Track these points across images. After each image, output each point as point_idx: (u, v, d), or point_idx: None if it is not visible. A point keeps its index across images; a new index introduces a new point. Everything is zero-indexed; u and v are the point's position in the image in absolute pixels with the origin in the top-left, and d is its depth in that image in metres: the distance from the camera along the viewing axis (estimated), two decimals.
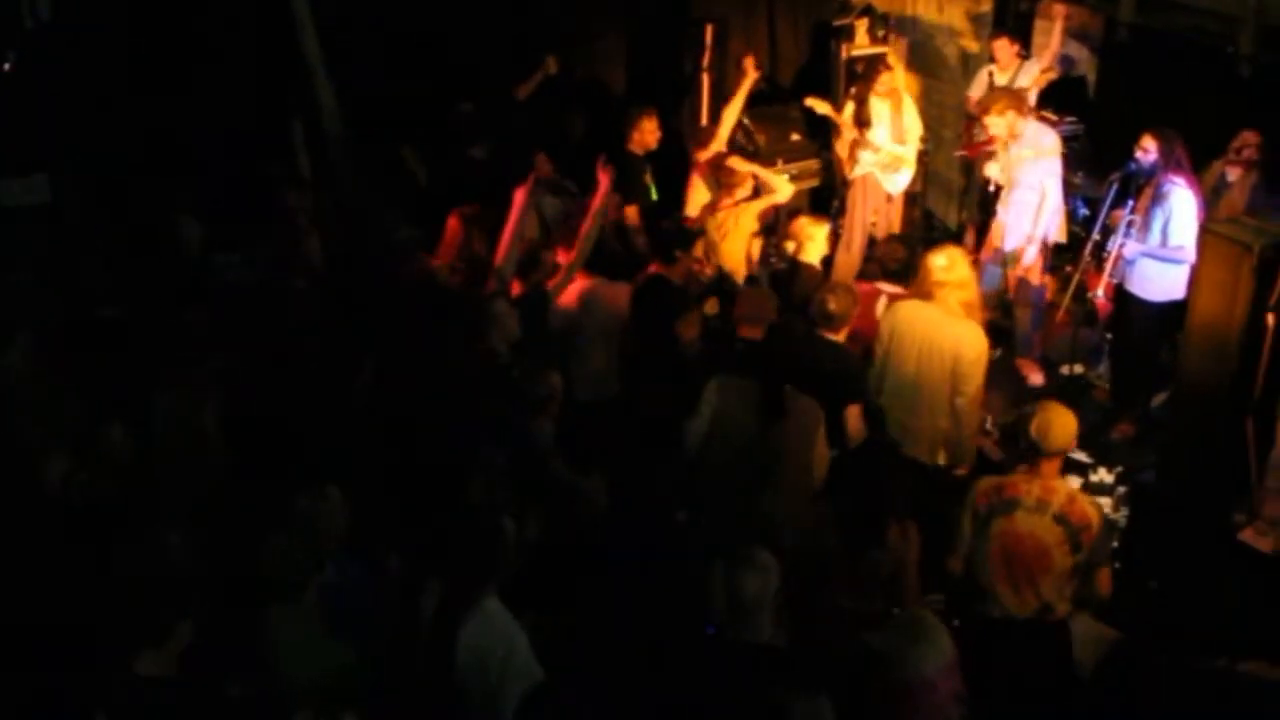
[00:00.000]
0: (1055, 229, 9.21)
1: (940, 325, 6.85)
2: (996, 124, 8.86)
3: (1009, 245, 9.15)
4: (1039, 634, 5.60)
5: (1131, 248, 8.14)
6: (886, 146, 10.17)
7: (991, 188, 9.92)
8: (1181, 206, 7.92)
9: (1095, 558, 5.57)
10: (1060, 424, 5.55)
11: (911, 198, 10.88)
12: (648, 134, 9.32)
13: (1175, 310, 7.90)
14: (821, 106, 10.30)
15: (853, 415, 6.74)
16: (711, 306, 7.80)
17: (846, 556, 5.37)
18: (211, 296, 6.78)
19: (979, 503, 5.66)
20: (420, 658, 4.48)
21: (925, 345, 6.84)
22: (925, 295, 6.97)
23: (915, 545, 5.56)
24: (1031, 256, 9.01)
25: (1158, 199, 8.03)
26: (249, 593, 4.36)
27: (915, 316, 6.94)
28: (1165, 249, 8.00)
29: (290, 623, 4.35)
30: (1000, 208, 9.34)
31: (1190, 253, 7.68)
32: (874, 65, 10.40)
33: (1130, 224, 8.19)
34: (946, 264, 6.97)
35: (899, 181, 10.35)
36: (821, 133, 11.16)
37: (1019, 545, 5.55)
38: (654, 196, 9.58)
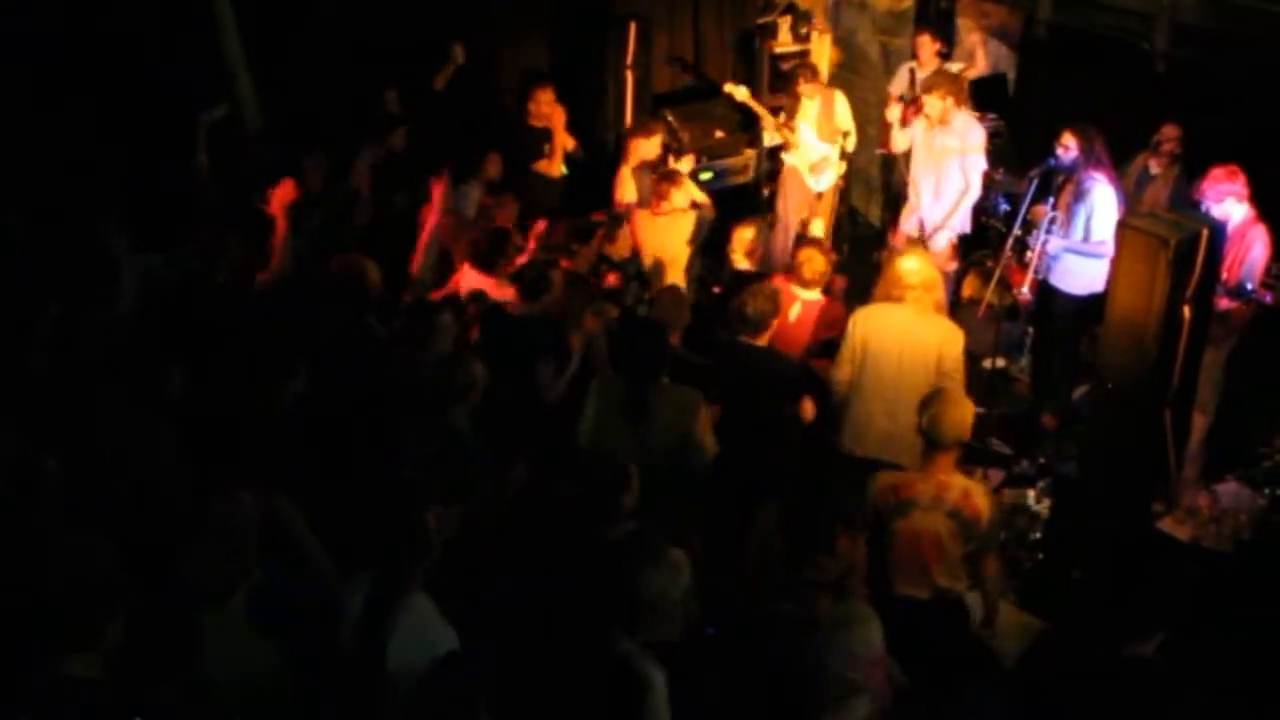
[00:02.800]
0: (967, 222, 9.40)
1: (919, 326, 6.83)
2: (933, 105, 9.01)
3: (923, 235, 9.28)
4: (937, 612, 5.71)
5: (1055, 243, 8.24)
6: (812, 145, 10.22)
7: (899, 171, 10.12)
8: (1103, 202, 8.04)
9: (983, 546, 5.67)
10: (954, 416, 5.61)
11: (839, 194, 10.96)
12: (543, 104, 9.64)
13: (1097, 303, 8.05)
14: (740, 93, 10.35)
15: (806, 407, 6.75)
16: (610, 310, 7.69)
17: (791, 561, 5.36)
18: (134, 299, 6.67)
19: (877, 500, 5.71)
20: (348, 657, 4.46)
21: (907, 348, 6.78)
22: (895, 299, 6.93)
23: (863, 552, 5.61)
24: (942, 244, 9.17)
25: (1079, 195, 8.14)
26: (179, 595, 4.31)
27: (891, 321, 6.89)
28: (1088, 244, 8.11)
29: (217, 626, 4.30)
30: (912, 195, 9.47)
31: (1111, 247, 7.81)
32: (796, 66, 10.44)
33: (1052, 220, 8.29)
34: (917, 267, 6.98)
35: (822, 181, 10.39)
36: (749, 127, 11.19)
37: (915, 542, 5.64)
38: (563, 170, 9.78)
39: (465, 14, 10.08)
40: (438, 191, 7.24)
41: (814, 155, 10.24)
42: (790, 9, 11.74)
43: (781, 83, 10.84)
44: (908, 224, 9.42)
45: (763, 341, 6.75)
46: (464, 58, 9.76)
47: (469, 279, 7.48)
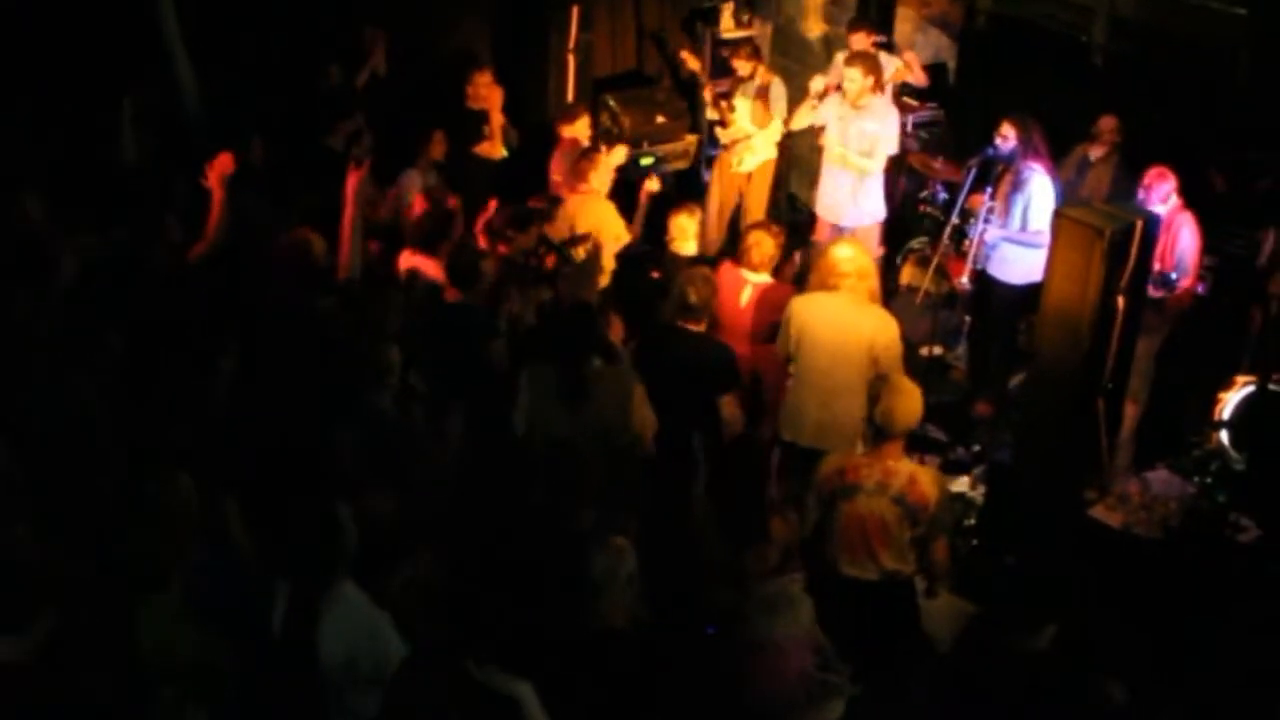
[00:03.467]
0: (883, 207, 9.46)
1: (852, 314, 6.81)
2: (853, 78, 8.98)
3: (846, 223, 9.29)
4: (884, 594, 5.75)
5: (993, 233, 8.31)
6: (741, 124, 10.22)
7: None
8: (1040, 192, 8.11)
9: (932, 530, 5.68)
10: (903, 406, 5.61)
11: (776, 180, 10.98)
12: (480, 87, 9.62)
13: (1035, 292, 8.14)
14: (692, 62, 10.42)
15: (727, 404, 6.76)
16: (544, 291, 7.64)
17: (729, 551, 5.38)
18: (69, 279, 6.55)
19: (822, 486, 5.73)
20: (279, 650, 4.42)
21: (839, 337, 6.76)
22: (830, 287, 6.90)
23: (796, 529, 5.63)
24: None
25: (1017, 185, 8.21)
26: (115, 581, 4.26)
27: (824, 309, 6.87)
28: (1024, 234, 8.18)
29: (154, 611, 4.25)
30: (826, 181, 9.46)
31: (1048, 237, 7.89)
32: (738, 49, 10.42)
33: (990, 209, 8.35)
34: (850, 255, 6.96)
35: (747, 161, 10.34)
36: (691, 112, 11.19)
37: (861, 525, 5.66)
38: (503, 152, 9.75)
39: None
40: (352, 180, 7.11)
41: (739, 135, 10.24)
42: None
43: (724, 68, 10.85)
44: (846, 219, 9.38)
45: (701, 328, 6.77)
46: (383, 43, 9.66)
47: (409, 260, 7.43)
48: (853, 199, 9.30)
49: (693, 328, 6.71)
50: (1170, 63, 8.52)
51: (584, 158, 8.68)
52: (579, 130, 9.39)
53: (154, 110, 8.55)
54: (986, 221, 8.33)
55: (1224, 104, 8.37)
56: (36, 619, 3.80)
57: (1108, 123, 8.67)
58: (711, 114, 10.43)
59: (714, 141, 10.82)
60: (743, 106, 10.18)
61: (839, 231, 9.28)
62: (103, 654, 4.08)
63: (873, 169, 9.14)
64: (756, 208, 10.51)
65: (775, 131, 10.26)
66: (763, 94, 10.16)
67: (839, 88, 9.35)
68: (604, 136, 10.05)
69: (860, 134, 9.15)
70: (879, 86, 9.17)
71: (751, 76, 10.15)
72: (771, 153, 10.41)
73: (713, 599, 5.38)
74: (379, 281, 7.31)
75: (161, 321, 6.26)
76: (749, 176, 10.42)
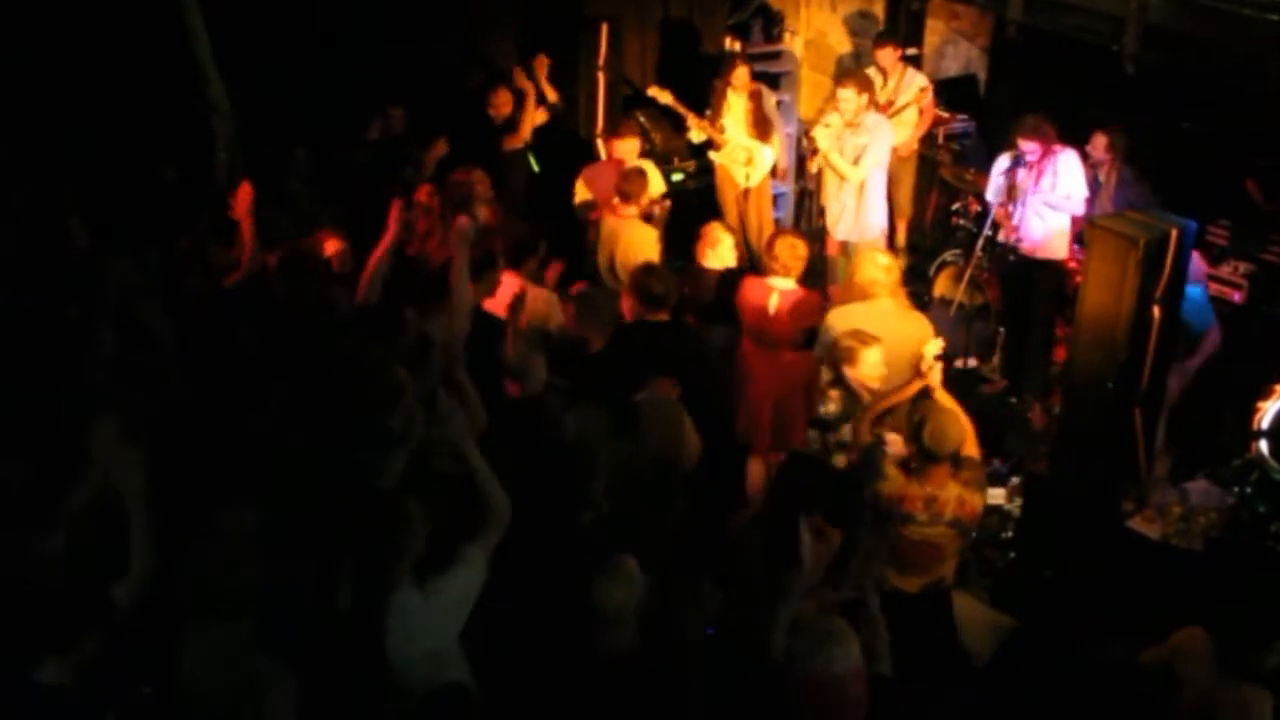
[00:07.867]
0: (884, 218, 9.38)
1: (899, 322, 6.83)
2: (846, 98, 8.93)
3: (850, 237, 9.24)
4: (927, 606, 5.76)
5: (1032, 199, 8.51)
6: (737, 140, 10.10)
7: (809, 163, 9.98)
8: (1069, 167, 8.39)
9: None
10: (953, 426, 5.57)
11: (802, 195, 10.94)
12: (500, 106, 9.72)
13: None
14: (663, 96, 10.07)
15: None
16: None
17: (769, 567, 5.35)
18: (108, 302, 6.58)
19: (878, 504, 5.68)
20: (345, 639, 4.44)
21: (889, 344, 6.67)
22: (865, 296, 6.92)
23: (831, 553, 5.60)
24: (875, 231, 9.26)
25: (1045, 169, 8.48)
26: (174, 607, 4.26)
27: (869, 317, 6.84)
28: (1058, 198, 8.45)
29: (210, 635, 4.24)
30: (832, 201, 9.38)
31: (1077, 203, 8.30)
32: (729, 61, 10.30)
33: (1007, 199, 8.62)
34: (889, 263, 7.00)
35: (751, 175, 10.19)
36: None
37: (913, 549, 5.67)
38: (535, 168, 9.87)
39: (435, 19, 10.07)
40: (396, 207, 6.98)
41: (740, 154, 10.12)
42: (761, 10, 11.74)
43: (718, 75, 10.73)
44: (853, 233, 9.29)
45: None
46: (401, 124, 9.60)
47: (509, 284, 7.22)
48: (854, 214, 9.19)
49: (663, 319, 6.87)
50: (1203, 71, 8.47)
51: (636, 178, 8.54)
52: (626, 150, 9.34)
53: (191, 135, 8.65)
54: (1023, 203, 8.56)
55: (1257, 112, 8.32)
56: (82, 640, 3.81)
57: (1098, 140, 8.78)
58: (698, 137, 10.17)
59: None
60: (732, 124, 10.09)
61: (844, 246, 9.26)
62: (145, 675, 4.09)
63: (855, 177, 9.00)
64: (761, 222, 10.39)
65: (776, 142, 10.17)
66: (757, 105, 10.05)
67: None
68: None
69: (856, 149, 9.07)
70: (873, 103, 9.12)
71: (744, 94, 10.01)
72: (769, 165, 10.29)
73: (750, 618, 5.36)
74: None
75: (203, 347, 6.30)
76: (748, 194, 10.30)
